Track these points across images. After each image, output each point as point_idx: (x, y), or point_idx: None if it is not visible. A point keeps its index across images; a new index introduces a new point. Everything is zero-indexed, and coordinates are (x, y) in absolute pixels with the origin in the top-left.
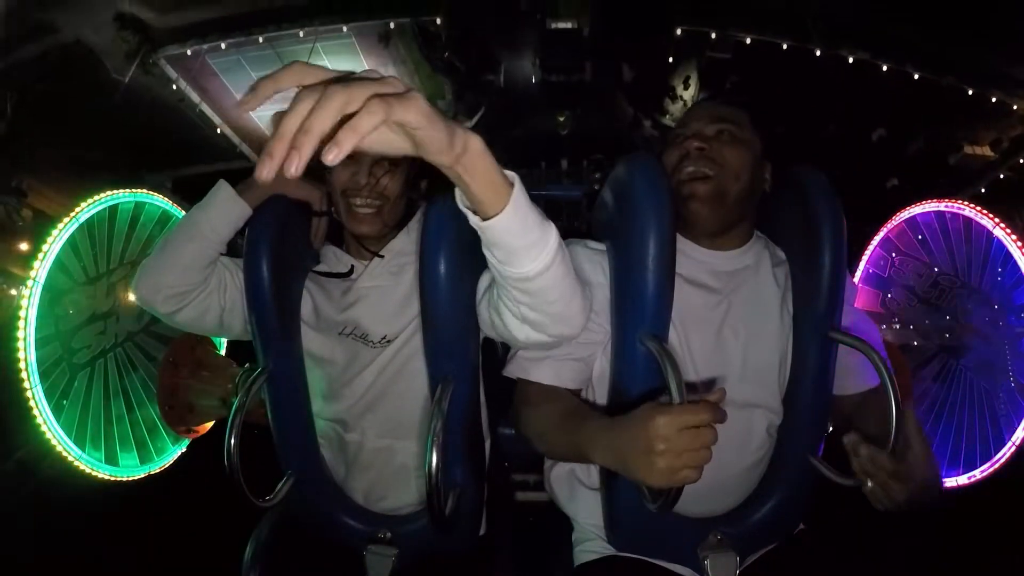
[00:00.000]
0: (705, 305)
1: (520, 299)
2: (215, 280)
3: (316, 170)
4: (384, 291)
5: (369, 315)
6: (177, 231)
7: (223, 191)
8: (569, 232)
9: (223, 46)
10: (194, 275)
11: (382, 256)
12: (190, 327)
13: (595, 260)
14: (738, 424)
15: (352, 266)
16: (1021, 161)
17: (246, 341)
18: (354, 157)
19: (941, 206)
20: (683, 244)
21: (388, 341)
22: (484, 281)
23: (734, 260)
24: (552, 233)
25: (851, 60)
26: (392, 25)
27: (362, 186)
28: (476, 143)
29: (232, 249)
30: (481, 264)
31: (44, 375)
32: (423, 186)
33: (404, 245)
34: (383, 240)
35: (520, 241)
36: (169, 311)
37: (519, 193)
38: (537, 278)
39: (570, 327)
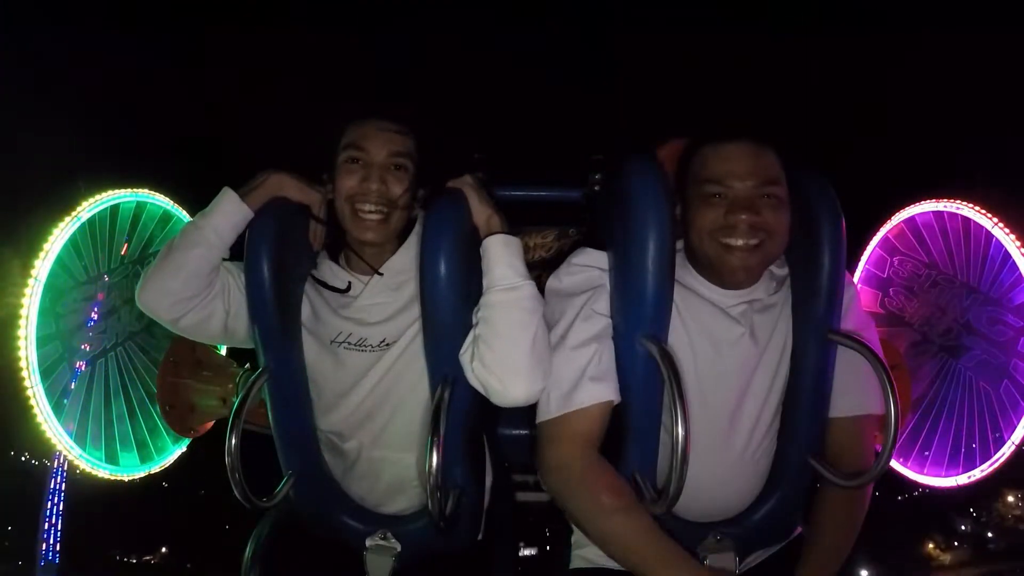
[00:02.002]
0: (720, 328)
1: (482, 316)
2: (218, 284)
3: (315, 174)
4: (384, 306)
5: (368, 324)
6: (181, 238)
7: (227, 197)
8: (570, 235)
9: None
10: (199, 281)
11: (381, 274)
12: (193, 333)
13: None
14: (738, 429)
15: (349, 283)
16: None
17: None
18: (362, 162)
19: (939, 206)
20: (696, 282)
21: (388, 345)
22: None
23: (746, 297)
24: (527, 280)
25: None
26: None
27: (372, 191)
28: (465, 179)
29: (234, 253)
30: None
31: (45, 374)
32: (421, 195)
33: (403, 263)
34: (383, 252)
35: (497, 261)
36: (173, 317)
37: (500, 237)
38: (497, 293)
39: (507, 382)
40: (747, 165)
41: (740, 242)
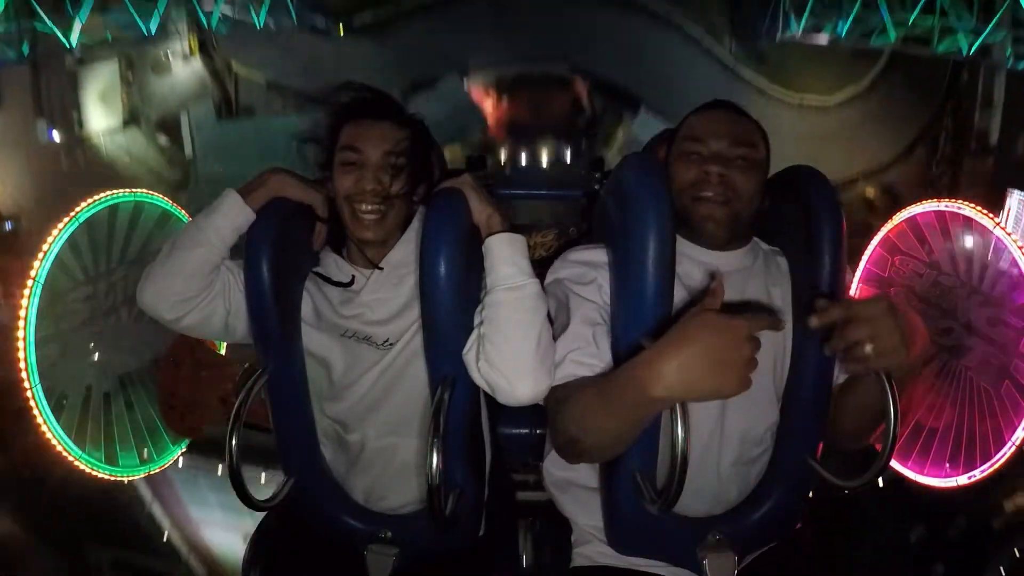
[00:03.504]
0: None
1: (486, 315)
2: (219, 284)
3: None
4: (386, 301)
5: (371, 323)
6: (182, 237)
7: (230, 198)
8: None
9: None
10: (199, 281)
11: (381, 268)
12: (194, 332)
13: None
14: (736, 424)
15: (353, 276)
16: None
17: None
18: (357, 163)
19: (941, 205)
20: (682, 245)
21: (391, 344)
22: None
23: (733, 260)
24: (532, 278)
25: None
26: None
27: (368, 191)
28: (464, 178)
29: (234, 251)
30: (481, 264)
31: (44, 375)
32: (421, 191)
33: (403, 256)
34: (385, 246)
35: (501, 260)
36: (174, 317)
37: (504, 236)
38: (502, 291)
39: (514, 381)
40: (724, 127)
41: (709, 193)
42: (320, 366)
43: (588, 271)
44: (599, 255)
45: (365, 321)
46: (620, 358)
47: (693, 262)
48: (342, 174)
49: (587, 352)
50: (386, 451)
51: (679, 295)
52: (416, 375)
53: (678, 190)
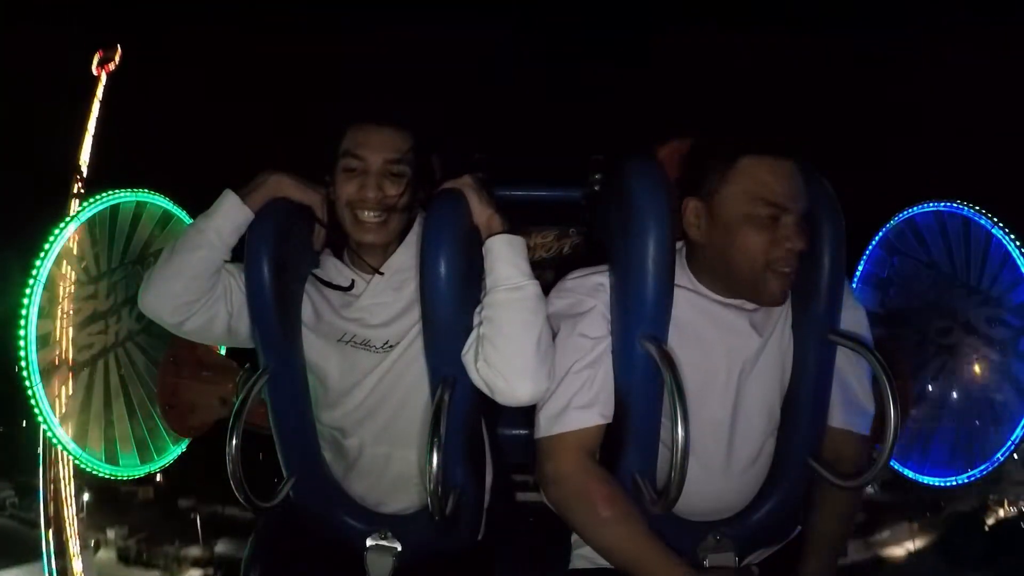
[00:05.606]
0: (719, 328)
1: (486, 315)
2: (220, 287)
3: (316, 175)
4: (386, 306)
5: (371, 326)
6: (183, 241)
7: (229, 199)
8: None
9: None
10: (201, 283)
11: (382, 273)
12: (198, 336)
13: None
14: (738, 430)
15: (353, 281)
16: None
17: None
18: (359, 169)
19: (940, 206)
20: (694, 296)
21: (391, 346)
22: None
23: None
24: (531, 280)
25: None
26: None
27: (370, 199)
28: (465, 179)
29: (235, 254)
30: (481, 265)
31: (45, 374)
32: (422, 196)
33: (404, 261)
34: (385, 252)
35: (502, 261)
36: (177, 321)
37: (504, 237)
38: (502, 292)
39: (513, 382)
40: (797, 187)
41: (787, 270)
42: (318, 373)
43: (584, 300)
44: (594, 280)
45: (365, 325)
46: (621, 356)
47: (701, 312)
48: (344, 180)
49: (586, 395)
50: (383, 459)
51: (683, 304)
52: (415, 379)
53: (749, 260)
